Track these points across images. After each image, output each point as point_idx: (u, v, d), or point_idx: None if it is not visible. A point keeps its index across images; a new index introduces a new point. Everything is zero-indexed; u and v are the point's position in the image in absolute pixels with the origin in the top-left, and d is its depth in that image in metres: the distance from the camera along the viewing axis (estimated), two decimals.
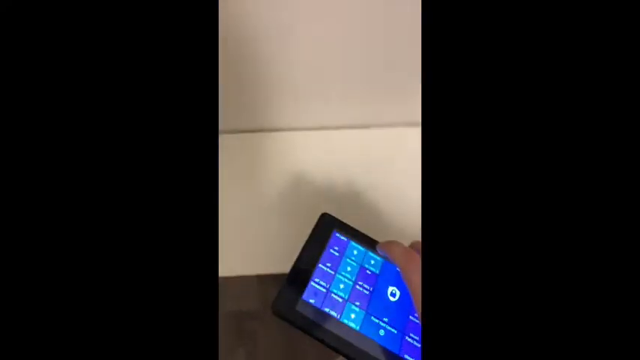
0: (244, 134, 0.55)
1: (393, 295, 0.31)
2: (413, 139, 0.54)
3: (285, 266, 0.32)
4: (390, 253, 0.30)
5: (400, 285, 0.32)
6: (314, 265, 0.31)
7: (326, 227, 0.34)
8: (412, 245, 0.30)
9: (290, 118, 0.54)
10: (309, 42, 0.43)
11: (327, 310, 0.29)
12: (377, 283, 0.32)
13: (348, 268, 0.32)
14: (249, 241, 0.45)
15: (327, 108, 0.53)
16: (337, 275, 0.31)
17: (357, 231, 0.35)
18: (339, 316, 0.29)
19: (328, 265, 0.32)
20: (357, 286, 0.31)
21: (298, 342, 0.98)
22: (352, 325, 0.29)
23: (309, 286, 0.30)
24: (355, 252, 0.33)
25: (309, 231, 0.34)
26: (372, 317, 0.30)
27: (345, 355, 0.28)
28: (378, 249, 0.33)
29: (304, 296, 0.30)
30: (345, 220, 0.35)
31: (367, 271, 0.32)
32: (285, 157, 0.52)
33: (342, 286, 0.31)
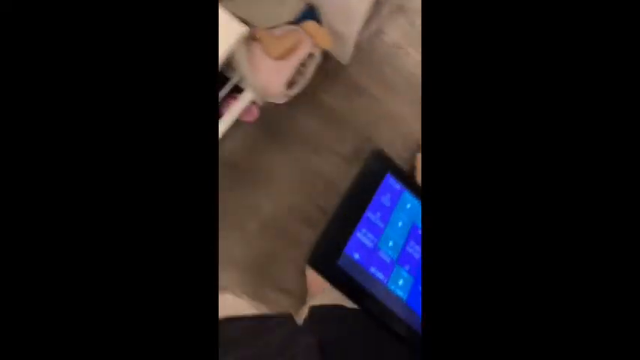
0: None
1: None
2: None
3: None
4: None
5: None
6: (362, 212, 0.25)
7: (378, 167, 0.27)
8: None
9: None
10: None
11: (372, 270, 0.24)
12: None
13: (400, 224, 0.26)
14: None
15: None
16: (386, 229, 0.26)
17: (413, 180, 0.29)
18: (386, 281, 0.24)
19: (378, 215, 0.26)
20: (408, 247, 0.26)
21: None
22: (399, 293, 0.24)
23: (353, 237, 0.25)
24: (409, 205, 0.27)
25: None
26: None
27: (386, 328, 0.24)
28: None
29: (347, 249, 0.24)
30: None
31: (419, 231, 0.27)
32: None
33: (391, 243, 0.26)
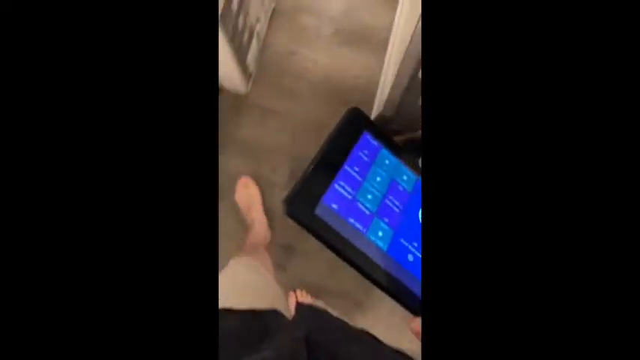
0: None
1: None
2: None
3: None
4: None
5: None
6: (339, 165, 0.26)
7: (355, 125, 0.28)
8: None
9: None
10: None
11: (351, 220, 0.24)
12: (409, 202, 0.27)
13: (378, 179, 0.27)
14: None
15: None
16: (365, 183, 0.26)
17: (391, 138, 0.29)
18: (365, 231, 0.24)
19: (356, 169, 0.26)
20: (387, 201, 0.26)
21: None
22: (379, 243, 0.24)
23: (332, 188, 0.25)
24: (387, 162, 0.28)
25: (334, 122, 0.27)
26: (402, 239, 0.26)
27: (366, 276, 0.24)
28: None
29: (325, 198, 0.24)
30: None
31: (399, 187, 0.27)
32: None
33: (369, 196, 0.26)
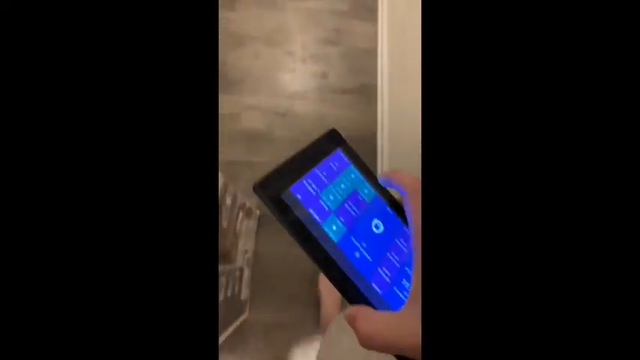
0: None
1: (377, 227, 0.30)
2: None
3: None
4: (396, 179, 0.29)
5: (386, 222, 0.31)
6: (309, 167, 0.29)
7: (331, 142, 0.32)
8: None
9: None
10: None
11: (311, 210, 0.28)
12: (365, 210, 0.30)
13: (342, 186, 0.30)
14: None
15: None
16: (329, 186, 0.30)
17: (361, 160, 0.33)
18: (321, 222, 0.28)
19: (324, 173, 0.30)
20: (346, 205, 0.30)
21: None
22: (331, 235, 0.28)
23: (299, 182, 0.28)
24: (353, 176, 0.32)
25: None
26: (352, 238, 0.28)
27: (313, 258, 0.27)
28: (380, 178, 0.31)
29: (292, 188, 0.28)
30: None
31: (359, 197, 0.31)
32: None
33: (331, 197, 0.29)
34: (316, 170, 0.30)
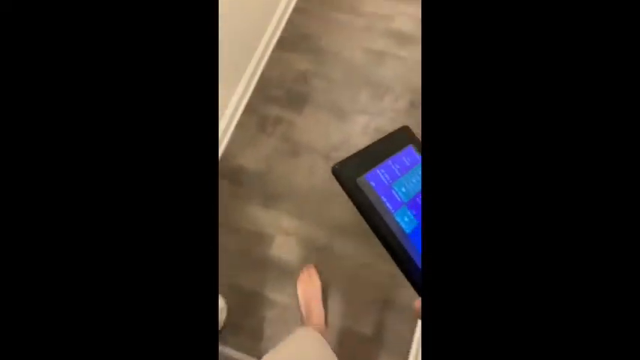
0: None
1: None
2: None
3: None
4: None
5: None
6: (383, 159, 0.31)
7: (404, 138, 0.33)
8: None
9: None
10: None
11: (384, 199, 0.29)
12: None
13: (413, 180, 0.31)
14: None
15: None
16: (401, 179, 0.30)
17: None
18: (393, 211, 0.28)
19: (397, 166, 0.31)
20: (418, 199, 0.30)
21: None
22: (403, 226, 0.28)
23: (374, 171, 0.30)
24: None
25: None
26: None
27: (385, 243, 0.27)
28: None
29: (367, 176, 0.29)
30: None
31: None
32: None
33: (403, 189, 0.30)
34: (389, 162, 0.31)
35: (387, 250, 0.27)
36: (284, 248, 1.13)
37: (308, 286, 1.01)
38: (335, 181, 0.28)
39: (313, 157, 1.27)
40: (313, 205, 1.19)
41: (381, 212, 0.27)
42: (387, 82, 1.37)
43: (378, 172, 0.29)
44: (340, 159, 0.28)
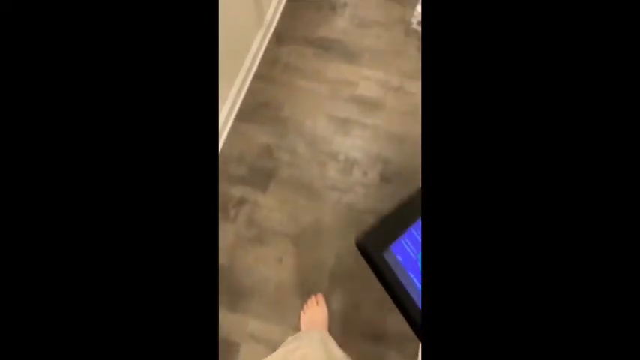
0: None
1: None
2: None
3: None
4: None
5: None
6: (406, 226, 0.30)
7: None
8: None
9: None
10: None
11: (411, 275, 0.28)
12: None
13: None
14: None
15: None
16: None
17: None
18: (420, 288, 0.28)
19: (420, 235, 0.30)
20: None
21: None
22: None
23: (399, 241, 0.29)
24: None
25: None
26: None
27: (413, 324, 0.26)
28: None
29: (393, 248, 0.29)
30: None
31: None
32: None
33: None
34: (413, 230, 0.30)
35: (415, 332, 0.27)
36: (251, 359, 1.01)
37: (314, 315, 0.96)
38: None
39: (284, 243, 1.17)
40: (284, 304, 1.08)
41: (410, 291, 0.27)
42: (354, 153, 1.31)
43: (402, 242, 0.29)
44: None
